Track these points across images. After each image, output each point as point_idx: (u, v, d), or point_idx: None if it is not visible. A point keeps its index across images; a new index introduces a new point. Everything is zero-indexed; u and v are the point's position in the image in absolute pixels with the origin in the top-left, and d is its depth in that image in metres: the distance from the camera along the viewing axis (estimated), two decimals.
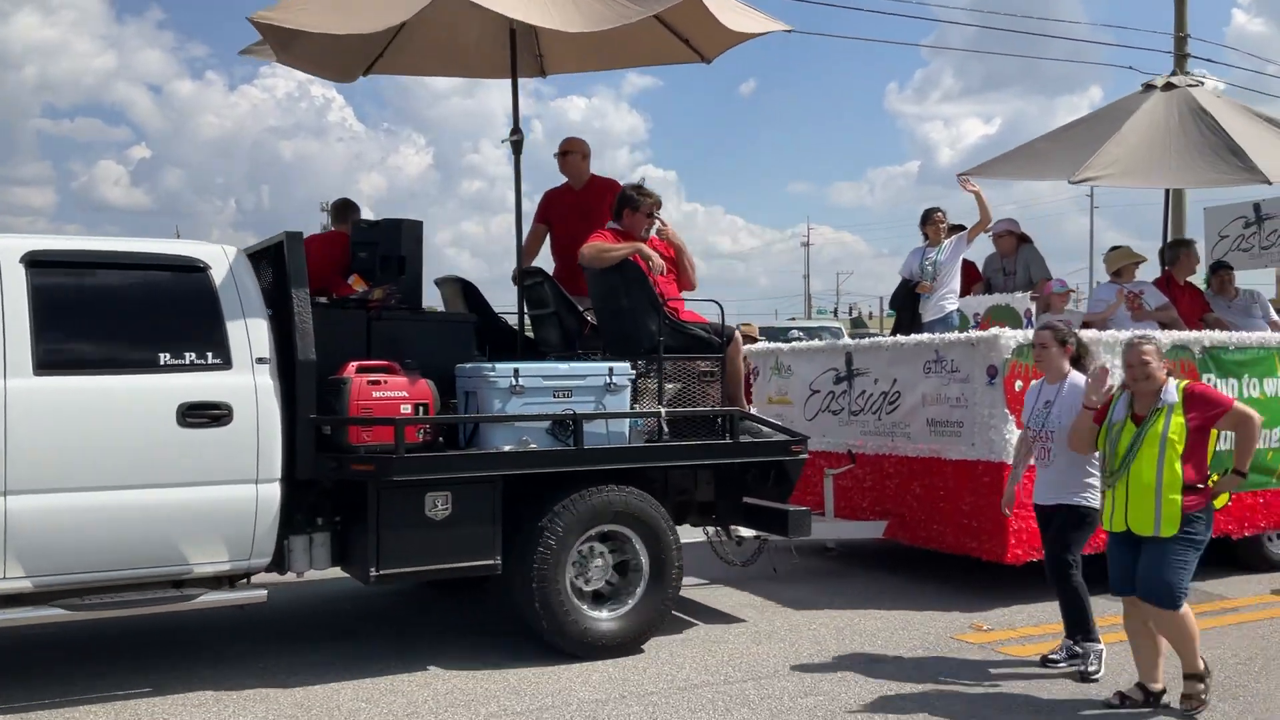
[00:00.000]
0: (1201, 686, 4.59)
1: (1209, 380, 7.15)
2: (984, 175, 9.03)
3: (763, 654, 5.57)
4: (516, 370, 5.32)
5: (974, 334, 6.76)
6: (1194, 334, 7.26)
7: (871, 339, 7.84)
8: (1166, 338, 7.04)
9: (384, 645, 5.73)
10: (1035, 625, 6.09)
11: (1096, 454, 4.85)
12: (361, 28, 5.37)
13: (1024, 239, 8.77)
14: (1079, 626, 5.16)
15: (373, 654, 5.54)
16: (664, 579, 5.58)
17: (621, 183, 6.46)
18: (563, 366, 5.53)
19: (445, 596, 6.87)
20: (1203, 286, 9.15)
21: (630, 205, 6.01)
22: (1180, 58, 20.27)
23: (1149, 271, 8.73)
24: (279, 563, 5.21)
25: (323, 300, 5.65)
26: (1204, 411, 4.48)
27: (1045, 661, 5.23)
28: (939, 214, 8.16)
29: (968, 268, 8.59)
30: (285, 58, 6.24)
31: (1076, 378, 5.16)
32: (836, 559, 8.13)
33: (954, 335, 6.97)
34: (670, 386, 5.89)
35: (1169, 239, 9.18)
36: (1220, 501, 4.58)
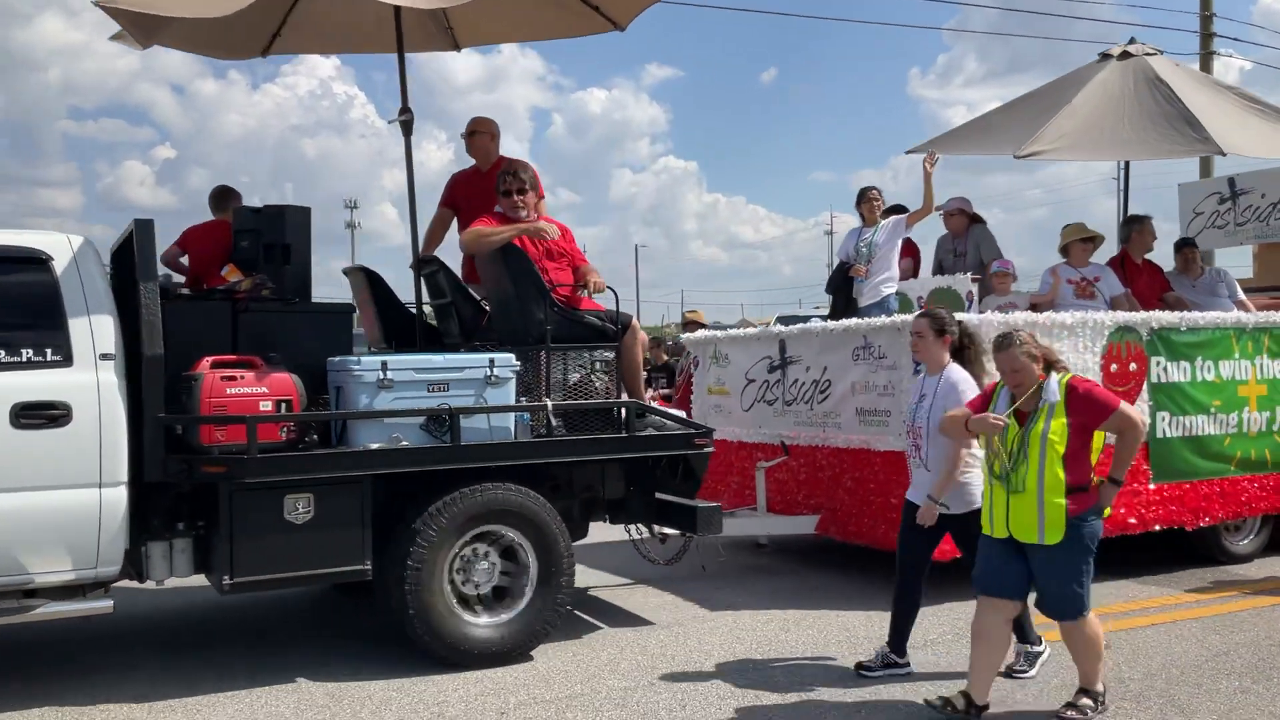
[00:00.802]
0: (1090, 703, 4.19)
1: (1158, 364, 6.76)
2: (934, 151, 8.61)
3: (790, 641, 5.48)
4: (384, 363, 5.01)
5: (899, 319, 6.38)
6: (1141, 315, 6.82)
7: (802, 325, 7.46)
8: (1111, 319, 6.65)
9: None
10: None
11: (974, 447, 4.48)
12: (211, 11, 5.05)
13: (975, 219, 8.40)
14: (900, 637, 4.85)
15: (402, 645, 5.35)
16: (553, 582, 5.26)
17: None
18: (437, 359, 5.22)
19: None
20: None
21: (495, 191, 5.69)
22: (1206, 37, 19.74)
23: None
24: (138, 570, 4.94)
25: (186, 292, 5.36)
26: (1086, 413, 4.09)
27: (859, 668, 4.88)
28: (874, 192, 7.77)
29: (904, 243, 8.19)
30: (153, 41, 5.89)
31: (954, 372, 4.71)
32: (771, 554, 7.81)
33: (881, 320, 6.59)
34: (573, 376, 5.59)
35: (1126, 215, 8.74)
36: (1104, 512, 4.20)
